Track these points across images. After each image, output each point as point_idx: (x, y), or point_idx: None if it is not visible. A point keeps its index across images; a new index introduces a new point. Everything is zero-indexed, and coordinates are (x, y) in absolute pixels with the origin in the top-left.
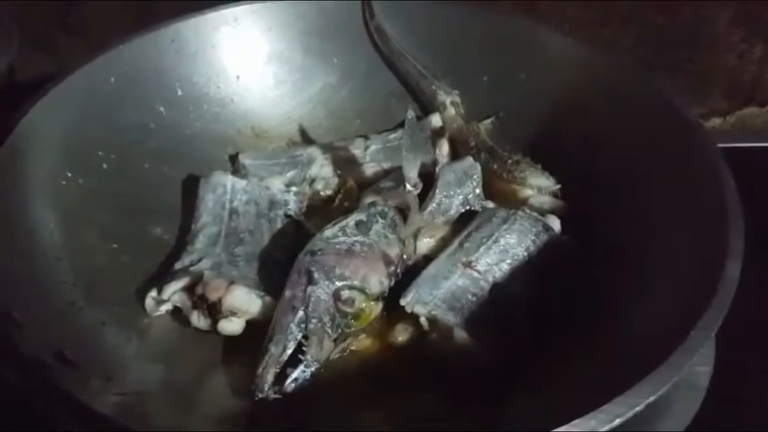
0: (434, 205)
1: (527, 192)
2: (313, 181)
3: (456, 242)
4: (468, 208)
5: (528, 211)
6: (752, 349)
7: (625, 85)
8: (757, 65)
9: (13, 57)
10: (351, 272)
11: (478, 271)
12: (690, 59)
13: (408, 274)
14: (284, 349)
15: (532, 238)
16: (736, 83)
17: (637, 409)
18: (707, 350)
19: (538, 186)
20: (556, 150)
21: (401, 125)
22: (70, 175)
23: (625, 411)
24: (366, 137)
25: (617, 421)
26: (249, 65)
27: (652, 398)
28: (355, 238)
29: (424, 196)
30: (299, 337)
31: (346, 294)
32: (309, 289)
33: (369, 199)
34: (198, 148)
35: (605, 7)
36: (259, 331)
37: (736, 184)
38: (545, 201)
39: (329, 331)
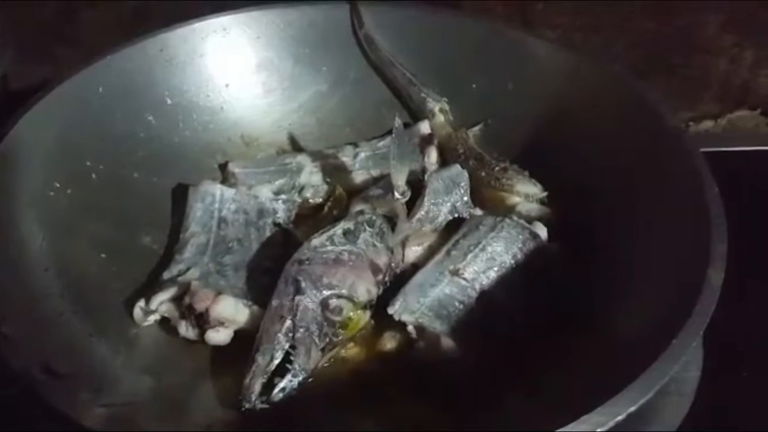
0: (422, 212)
1: (515, 199)
2: (302, 189)
3: (443, 250)
4: (456, 215)
5: (515, 218)
6: (740, 355)
7: (610, 93)
8: (748, 69)
9: (7, 66)
10: (338, 281)
11: (465, 279)
12: (682, 64)
13: (396, 282)
14: (272, 359)
15: (519, 245)
16: (728, 87)
17: (619, 418)
18: (695, 356)
19: (525, 193)
20: (543, 157)
21: (391, 132)
22: (58, 185)
23: (607, 420)
24: (355, 145)
25: (599, 431)
26: (238, 74)
27: (633, 408)
28: (342, 247)
29: (412, 204)
30: (287, 346)
31: (333, 303)
32: (296, 298)
33: (357, 208)
34: (187, 157)
35: (598, 14)
36: (247, 340)
37: (721, 188)
38: (532, 208)
39: (317, 340)
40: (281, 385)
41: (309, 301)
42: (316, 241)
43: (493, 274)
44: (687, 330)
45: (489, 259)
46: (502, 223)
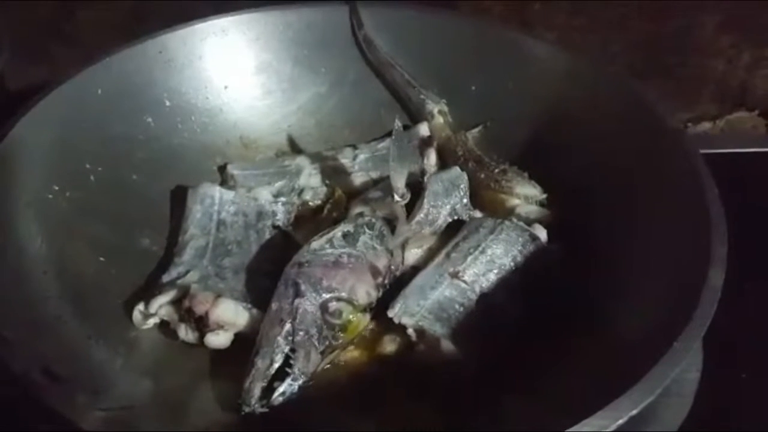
0: (422, 215)
1: (514, 201)
2: (301, 191)
3: (443, 253)
4: (456, 218)
5: (515, 220)
6: (740, 356)
7: (610, 94)
8: (745, 70)
9: (4, 66)
10: (338, 284)
11: (465, 282)
12: (680, 64)
13: (396, 285)
14: (271, 362)
15: (519, 248)
16: (725, 88)
17: (621, 421)
18: (695, 357)
19: (525, 195)
20: (543, 158)
21: (390, 134)
22: (57, 188)
23: (609, 423)
24: (354, 147)
25: None
26: (237, 75)
27: (635, 411)
28: (342, 250)
29: (412, 206)
30: (286, 349)
31: (333, 306)
32: (296, 301)
33: (357, 210)
34: (186, 159)
35: (595, 14)
36: (246, 343)
37: (720, 189)
38: (532, 210)
39: (316, 343)
40: (281, 389)
41: (309, 304)
42: (315, 244)
43: (493, 277)
44: (688, 332)
45: (489, 261)
46: (501, 226)
